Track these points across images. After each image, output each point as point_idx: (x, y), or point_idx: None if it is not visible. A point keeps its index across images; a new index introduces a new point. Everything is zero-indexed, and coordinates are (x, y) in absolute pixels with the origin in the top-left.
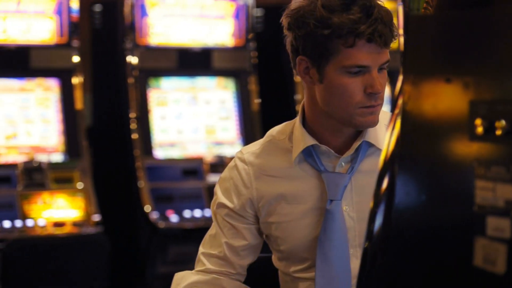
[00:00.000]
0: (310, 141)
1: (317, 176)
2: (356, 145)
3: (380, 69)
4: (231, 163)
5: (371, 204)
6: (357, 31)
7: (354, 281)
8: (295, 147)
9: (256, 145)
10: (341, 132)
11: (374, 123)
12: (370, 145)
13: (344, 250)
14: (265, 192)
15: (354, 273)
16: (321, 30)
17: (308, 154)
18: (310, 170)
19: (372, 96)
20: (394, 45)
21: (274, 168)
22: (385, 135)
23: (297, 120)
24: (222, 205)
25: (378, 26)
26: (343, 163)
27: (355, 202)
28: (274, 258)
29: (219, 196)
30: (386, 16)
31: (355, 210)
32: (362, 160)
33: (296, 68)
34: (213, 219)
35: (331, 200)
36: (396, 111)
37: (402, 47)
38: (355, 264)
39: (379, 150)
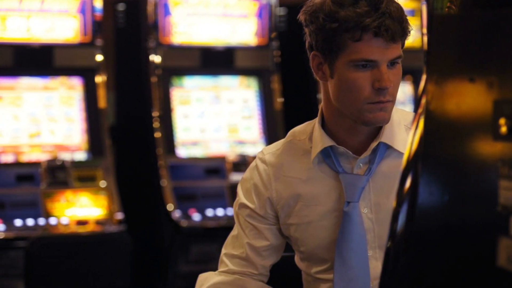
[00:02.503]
0: (328, 142)
1: (335, 177)
2: (372, 146)
3: (392, 64)
4: (252, 164)
5: (394, 203)
6: (363, 24)
7: (374, 283)
8: (313, 148)
9: (277, 146)
10: (356, 132)
11: (384, 120)
12: (388, 146)
13: (363, 252)
14: (284, 193)
15: (373, 275)
16: (329, 24)
17: (327, 155)
18: (329, 171)
19: (381, 92)
20: (417, 44)
21: (293, 169)
22: (403, 136)
23: (317, 120)
24: (243, 206)
25: (385, 20)
26: (361, 164)
27: (373, 203)
28: (297, 259)
29: (241, 196)
30: (395, 12)
31: (374, 212)
32: (380, 162)
33: (310, 64)
34: (235, 220)
35: (348, 202)
36: (420, 110)
37: (425, 47)
38: (374, 266)
39: (397, 151)
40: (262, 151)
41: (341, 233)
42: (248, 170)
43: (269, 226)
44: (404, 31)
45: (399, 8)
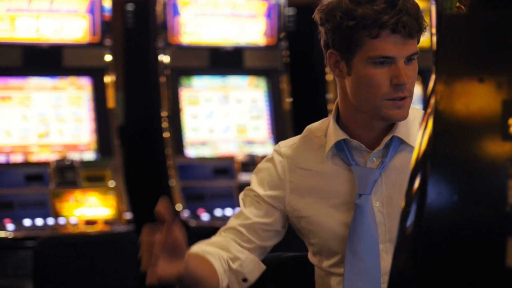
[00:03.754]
0: (341, 135)
1: (348, 170)
2: (386, 139)
3: (408, 60)
4: (269, 156)
5: (402, 203)
6: (380, 21)
7: (384, 277)
8: (328, 142)
9: (293, 140)
10: (372, 127)
11: (403, 116)
12: (402, 141)
13: (374, 245)
14: (298, 184)
15: (383, 268)
16: (346, 22)
17: (340, 148)
18: (342, 165)
19: (399, 88)
20: (426, 44)
21: (308, 162)
22: (417, 131)
23: (331, 116)
24: (253, 190)
25: (402, 17)
26: (374, 158)
27: (385, 197)
28: (309, 255)
29: (253, 183)
30: (411, 8)
31: (385, 206)
32: (393, 156)
33: (327, 62)
34: (240, 202)
35: (360, 195)
36: (429, 110)
37: (434, 47)
38: (385, 260)
39: (410, 146)
40: (278, 144)
41: (353, 226)
42: (264, 161)
43: (273, 210)
44: (420, 27)
45: (415, 4)
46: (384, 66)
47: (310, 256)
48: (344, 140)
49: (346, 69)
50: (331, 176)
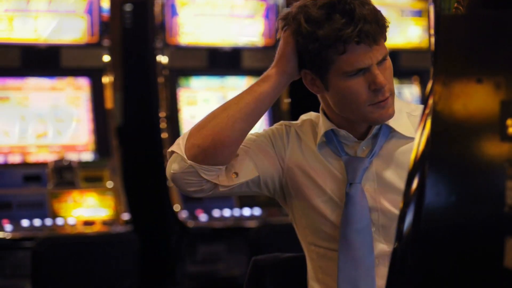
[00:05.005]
0: (330, 125)
1: (339, 161)
2: (374, 128)
3: (381, 61)
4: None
5: (401, 204)
6: (343, 37)
7: (378, 259)
8: (318, 133)
9: (297, 122)
10: (360, 126)
11: (389, 115)
12: (390, 130)
13: (366, 232)
14: (294, 157)
15: (376, 252)
16: (310, 45)
17: (330, 139)
18: (333, 156)
19: (379, 91)
20: (425, 44)
21: (306, 144)
22: (405, 121)
23: (320, 110)
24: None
25: (363, 27)
26: (364, 147)
27: (377, 183)
28: (299, 231)
29: (258, 132)
30: (369, 14)
31: (378, 191)
32: (382, 144)
33: (303, 81)
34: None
35: (351, 184)
36: (427, 111)
37: (433, 47)
38: (377, 241)
39: (399, 134)
40: (282, 122)
41: (344, 214)
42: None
43: (268, 159)
44: (382, 29)
45: (371, 9)
46: (358, 75)
47: (300, 231)
48: (332, 130)
49: (323, 85)
50: (322, 167)
